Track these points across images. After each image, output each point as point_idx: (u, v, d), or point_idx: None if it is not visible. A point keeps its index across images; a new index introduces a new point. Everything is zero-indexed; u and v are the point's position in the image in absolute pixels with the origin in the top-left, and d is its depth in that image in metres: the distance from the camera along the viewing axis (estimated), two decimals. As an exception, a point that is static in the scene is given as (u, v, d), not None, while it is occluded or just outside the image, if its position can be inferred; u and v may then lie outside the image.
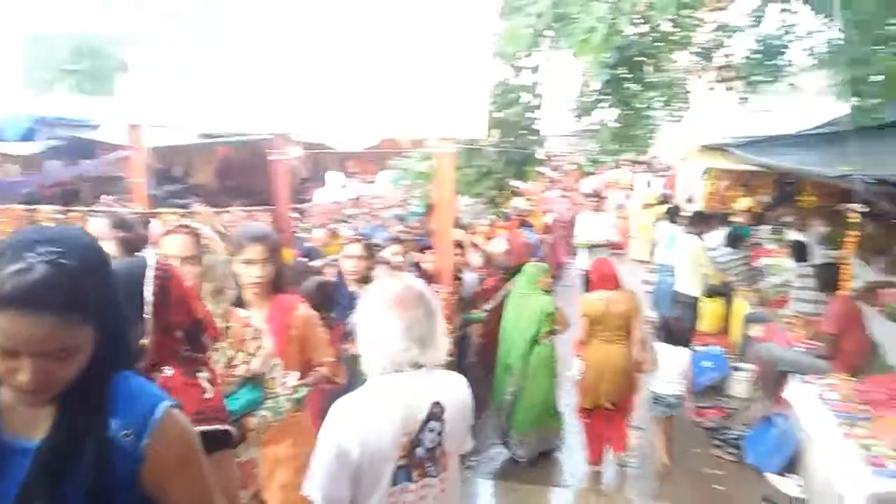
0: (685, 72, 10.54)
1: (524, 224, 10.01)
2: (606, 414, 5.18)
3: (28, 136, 9.62)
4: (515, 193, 7.64)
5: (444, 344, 2.11)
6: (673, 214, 9.42)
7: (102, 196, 6.78)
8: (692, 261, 8.00)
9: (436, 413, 2.05)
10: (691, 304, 7.93)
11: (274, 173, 5.19)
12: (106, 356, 1.26)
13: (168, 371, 1.71)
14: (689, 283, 8.05)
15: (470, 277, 6.23)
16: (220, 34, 4.61)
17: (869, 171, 4.70)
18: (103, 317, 1.24)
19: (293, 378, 2.63)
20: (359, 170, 13.26)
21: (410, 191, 9.21)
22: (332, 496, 1.94)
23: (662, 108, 10.39)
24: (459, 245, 6.14)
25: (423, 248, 5.92)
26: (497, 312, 6.59)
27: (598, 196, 9.94)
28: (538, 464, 5.36)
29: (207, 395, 1.76)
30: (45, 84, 4.52)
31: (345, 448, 1.93)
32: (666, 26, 7.73)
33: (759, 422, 5.51)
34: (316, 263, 5.61)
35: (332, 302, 3.67)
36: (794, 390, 5.35)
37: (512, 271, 7.72)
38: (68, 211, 4.88)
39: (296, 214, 6.68)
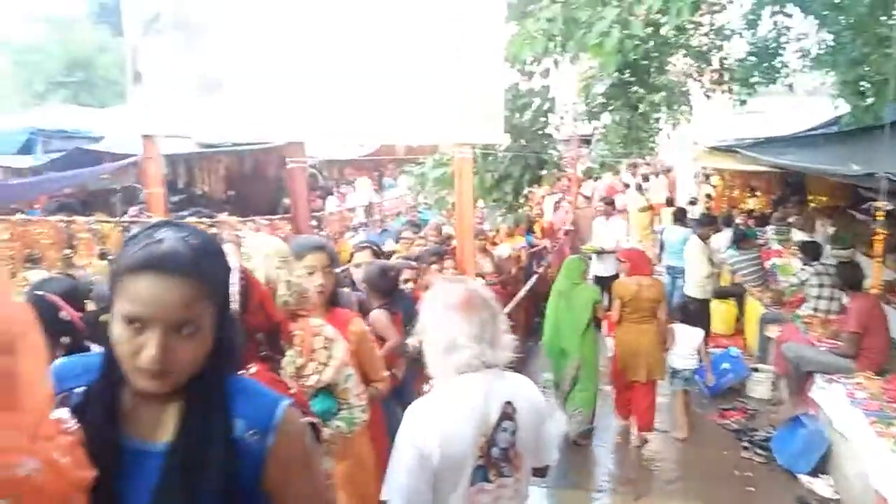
0: (684, 75, 10.61)
1: (527, 230, 9.97)
2: (637, 388, 5.58)
3: (26, 149, 9.57)
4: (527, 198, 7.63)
5: (510, 343, 2.11)
6: (681, 217, 9.41)
7: (130, 208, 6.72)
8: (698, 262, 7.99)
9: (508, 413, 2.04)
10: (702, 306, 7.89)
11: (292, 182, 5.12)
12: (223, 349, 1.27)
13: (253, 368, 1.70)
14: (696, 286, 8.04)
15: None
16: (230, 42, 4.56)
17: (885, 169, 4.69)
18: (222, 301, 1.28)
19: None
20: (357, 177, 13.24)
21: (421, 197, 9.20)
22: (413, 500, 1.91)
23: (665, 111, 10.47)
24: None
25: (439, 256, 5.84)
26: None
27: (609, 202, 9.92)
28: (572, 467, 5.37)
29: (292, 391, 1.76)
30: (36, 96, 4.47)
31: (425, 451, 1.91)
32: (666, 29, 7.76)
33: (786, 422, 5.47)
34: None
35: (397, 286, 3.68)
36: (821, 390, 5.32)
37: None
38: (102, 221, 4.79)
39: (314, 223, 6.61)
